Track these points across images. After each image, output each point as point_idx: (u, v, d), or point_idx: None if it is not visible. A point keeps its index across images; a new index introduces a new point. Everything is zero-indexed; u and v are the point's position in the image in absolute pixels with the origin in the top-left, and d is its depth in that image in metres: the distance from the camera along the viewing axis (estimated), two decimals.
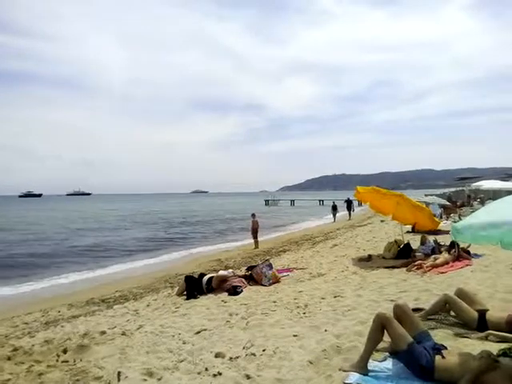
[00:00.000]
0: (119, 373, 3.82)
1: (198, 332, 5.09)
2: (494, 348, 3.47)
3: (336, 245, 14.76)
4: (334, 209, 32.71)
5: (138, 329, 5.55)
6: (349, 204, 32.89)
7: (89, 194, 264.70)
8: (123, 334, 5.33)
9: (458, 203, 26.73)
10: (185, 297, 7.66)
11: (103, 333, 5.46)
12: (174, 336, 5.01)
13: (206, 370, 3.76)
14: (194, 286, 7.92)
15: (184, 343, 4.68)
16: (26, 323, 7.24)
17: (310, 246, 15.63)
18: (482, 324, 4.22)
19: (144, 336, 5.14)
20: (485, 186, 28.73)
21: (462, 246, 8.86)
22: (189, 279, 8.15)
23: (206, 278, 8.02)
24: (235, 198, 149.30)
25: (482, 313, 4.32)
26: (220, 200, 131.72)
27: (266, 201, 76.78)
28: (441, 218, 19.01)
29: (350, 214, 32.68)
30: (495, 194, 25.17)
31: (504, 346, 3.57)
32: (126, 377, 3.74)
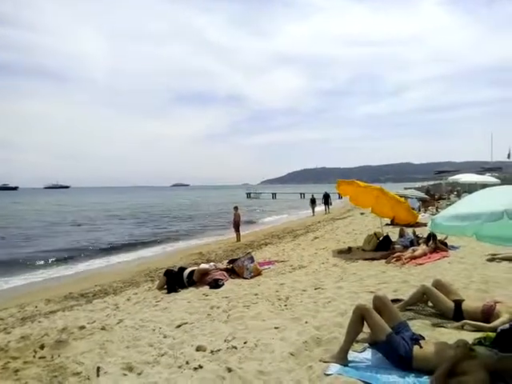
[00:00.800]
0: (98, 368, 3.77)
1: (179, 326, 5.06)
2: (470, 337, 3.57)
3: (317, 237, 14.89)
4: (313, 202, 32.26)
5: (118, 323, 5.48)
6: (326, 198, 32.28)
7: (67, 187, 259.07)
8: (103, 328, 5.25)
9: (436, 196, 27.34)
10: (165, 290, 7.62)
11: (82, 328, 5.37)
12: (154, 330, 4.97)
13: (187, 363, 3.75)
14: (174, 280, 7.87)
15: (165, 337, 4.65)
16: (1, 319, 7.06)
17: (291, 239, 15.72)
18: (458, 314, 4.33)
19: (124, 330, 5.08)
20: (461, 179, 29.40)
21: (439, 238, 9.06)
22: (169, 273, 8.10)
23: (187, 272, 7.97)
24: (217, 191, 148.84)
25: (458, 303, 4.44)
26: (201, 193, 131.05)
27: (247, 194, 76.82)
28: (419, 210, 19.39)
29: (327, 209, 32.27)
30: (471, 187, 25.83)
31: (479, 335, 3.68)
32: (106, 372, 3.70)
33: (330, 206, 32.53)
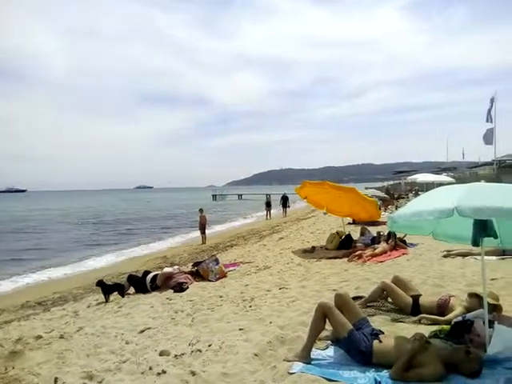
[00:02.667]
0: (56, 379, 3.63)
1: (142, 331, 4.96)
2: (427, 330, 3.72)
3: (282, 238, 15.04)
4: (268, 205, 29.93)
5: (78, 331, 5.31)
6: (284, 200, 30.45)
7: (24, 191, 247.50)
8: (61, 337, 5.08)
9: (396, 195, 28.30)
10: (128, 295, 7.45)
11: (39, 337, 5.16)
12: (116, 336, 4.84)
13: (150, 369, 3.67)
14: (137, 285, 7.72)
15: (127, 343, 4.54)
16: None
17: (256, 240, 15.79)
18: (415, 308, 4.50)
19: (84, 338, 4.92)
20: (419, 179, 30.66)
21: (398, 236, 9.36)
22: (132, 278, 7.94)
23: (150, 276, 7.83)
24: (182, 193, 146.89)
25: (416, 298, 4.61)
26: (166, 195, 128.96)
27: (213, 195, 76.36)
28: (379, 209, 19.97)
29: (285, 211, 30.47)
30: (428, 187, 26.90)
31: (435, 328, 3.84)
32: (64, 382, 3.57)
33: (288, 209, 30.96)
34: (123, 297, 7.33)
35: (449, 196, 3.08)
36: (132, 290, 7.82)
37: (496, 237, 3.39)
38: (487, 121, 34.00)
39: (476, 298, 3.95)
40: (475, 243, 3.31)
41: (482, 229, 3.22)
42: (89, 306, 7.14)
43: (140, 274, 8.34)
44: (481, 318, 3.44)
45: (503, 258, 7.16)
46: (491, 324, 3.33)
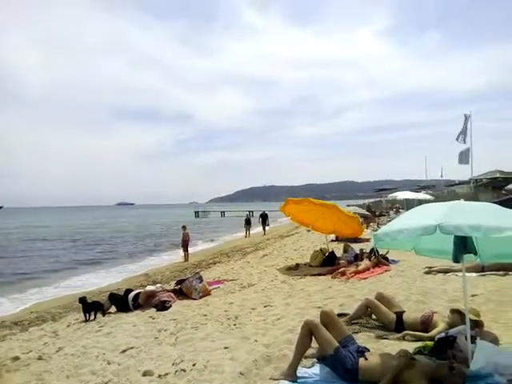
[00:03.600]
0: None
1: (124, 351, 4.85)
2: (411, 347, 3.76)
3: (266, 255, 15.00)
4: (248, 223, 28.33)
5: (58, 351, 5.16)
6: (264, 218, 29.10)
7: (0, 208, 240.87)
8: (40, 358, 4.92)
9: (377, 213, 28.69)
10: (109, 314, 7.28)
11: (16, 359, 4.98)
12: (97, 357, 4.72)
13: None
14: (119, 304, 7.57)
15: (109, 363, 4.44)
16: None
17: (240, 257, 15.71)
18: (399, 325, 4.55)
19: (64, 359, 4.78)
20: (399, 196, 31.23)
21: (381, 252, 9.48)
22: (113, 296, 7.79)
23: (132, 295, 7.70)
24: (164, 210, 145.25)
25: (399, 315, 4.66)
26: (147, 212, 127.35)
27: (195, 212, 75.73)
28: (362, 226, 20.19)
29: (264, 229, 28.83)
30: (408, 204, 27.42)
31: (419, 344, 3.88)
32: None
33: (267, 227, 29.50)
34: (104, 316, 7.17)
35: (431, 213, 3.16)
36: (113, 308, 7.66)
37: (476, 253, 3.49)
38: (458, 139, 34.93)
39: (458, 314, 4.02)
40: (456, 260, 3.40)
41: (463, 246, 3.32)
42: (69, 326, 6.95)
43: (122, 293, 8.19)
44: (463, 334, 3.49)
45: (483, 275, 7.31)
46: (473, 340, 3.39)
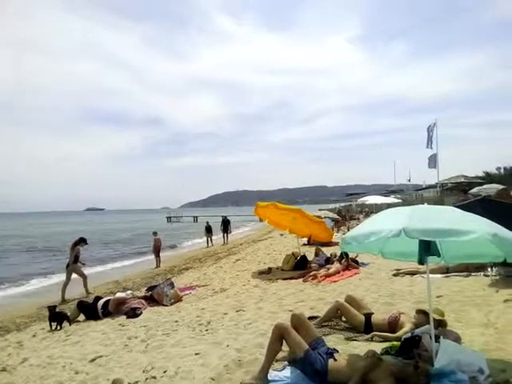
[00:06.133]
0: None
1: (93, 359, 4.75)
2: (379, 347, 3.86)
3: (239, 259, 14.99)
4: (208, 231, 25.12)
5: (22, 362, 4.99)
6: (225, 225, 25.43)
7: None
8: (3, 370, 4.75)
9: (347, 217, 29.24)
10: (78, 323, 7.10)
11: None
12: (64, 366, 4.60)
13: None
14: (88, 311, 7.39)
15: (76, 373, 4.33)
16: None
17: (213, 262, 15.61)
18: (368, 326, 4.66)
19: (29, 370, 4.64)
20: (369, 201, 31.99)
21: (351, 255, 9.66)
22: (82, 304, 7.59)
23: (101, 302, 7.53)
24: (135, 216, 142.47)
25: (368, 316, 4.78)
26: (118, 217, 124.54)
27: (168, 217, 74.76)
28: (332, 230, 20.53)
29: (225, 237, 25.30)
30: (377, 208, 28.10)
31: (386, 344, 3.98)
32: None
33: (229, 234, 26.12)
34: (71, 325, 6.98)
35: (396, 217, 3.27)
36: (82, 316, 7.47)
37: (439, 255, 3.64)
38: (427, 147, 36.10)
39: (423, 315, 4.16)
40: (421, 262, 3.53)
41: (427, 248, 3.45)
42: (34, 336, 6.72)
43: (90, 300, 8.00)
44: (428, 334, 3.62)
45: (447, 276, 7.58)
46: (437, 339, 3.51)
